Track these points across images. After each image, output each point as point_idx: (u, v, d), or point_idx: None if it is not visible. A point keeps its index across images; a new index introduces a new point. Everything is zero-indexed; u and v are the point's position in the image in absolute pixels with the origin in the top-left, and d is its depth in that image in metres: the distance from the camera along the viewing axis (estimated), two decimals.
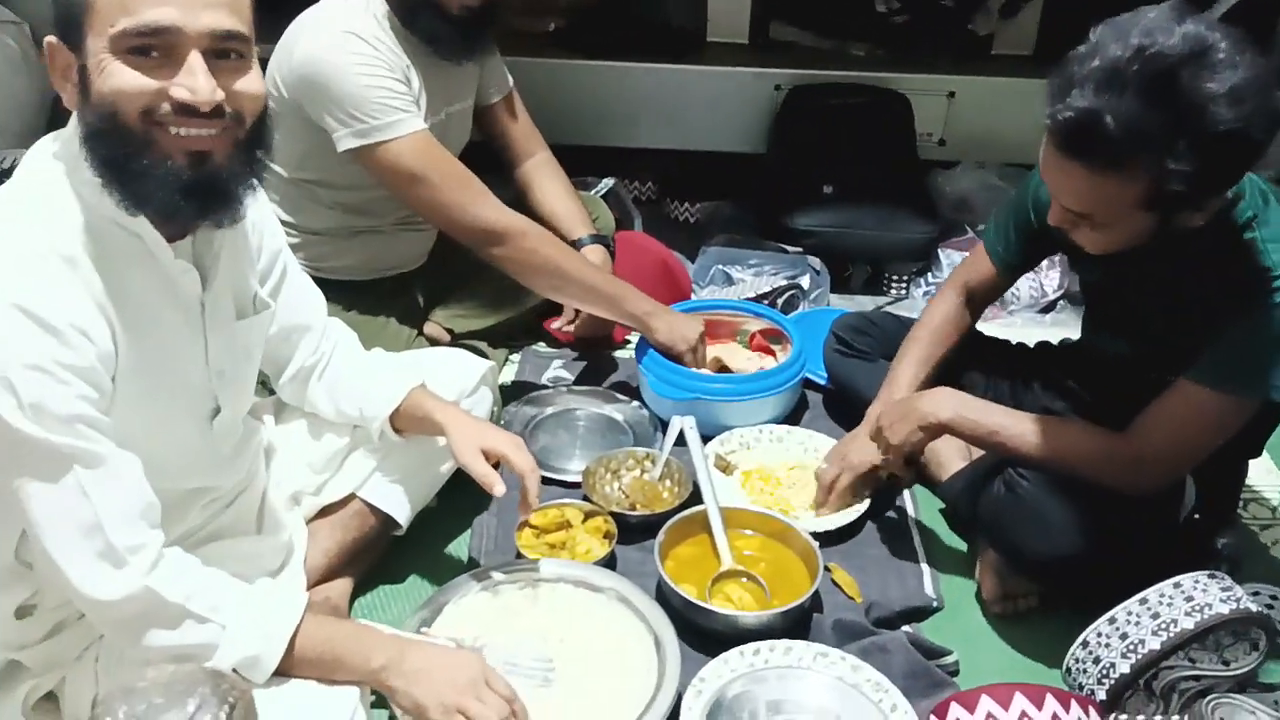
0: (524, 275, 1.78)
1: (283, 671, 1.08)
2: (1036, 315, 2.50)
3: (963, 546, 1.69)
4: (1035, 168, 1.39)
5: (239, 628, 1.06)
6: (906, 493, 1.79)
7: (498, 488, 1.36)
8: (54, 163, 1.05)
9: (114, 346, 1.04)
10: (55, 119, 2.73)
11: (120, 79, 0.97)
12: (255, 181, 1.09)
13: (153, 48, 0.98)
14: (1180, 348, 1.38)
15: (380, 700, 1.20)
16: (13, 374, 0.95)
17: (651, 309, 1.85)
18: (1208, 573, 1.31)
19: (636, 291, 1.86)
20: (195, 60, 0.98)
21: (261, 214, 1.28)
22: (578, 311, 1.97)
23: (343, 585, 1.48)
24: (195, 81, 0.98)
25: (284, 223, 1.84)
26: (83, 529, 1.00)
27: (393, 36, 1.72)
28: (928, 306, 1.74)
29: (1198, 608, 1.26)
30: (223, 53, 1.01)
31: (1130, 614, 1.29)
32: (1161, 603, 1.28)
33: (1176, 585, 1.30)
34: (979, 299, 1.72)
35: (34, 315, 0.96)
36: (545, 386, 2.05)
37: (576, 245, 1.97)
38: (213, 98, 0.99)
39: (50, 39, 1.02)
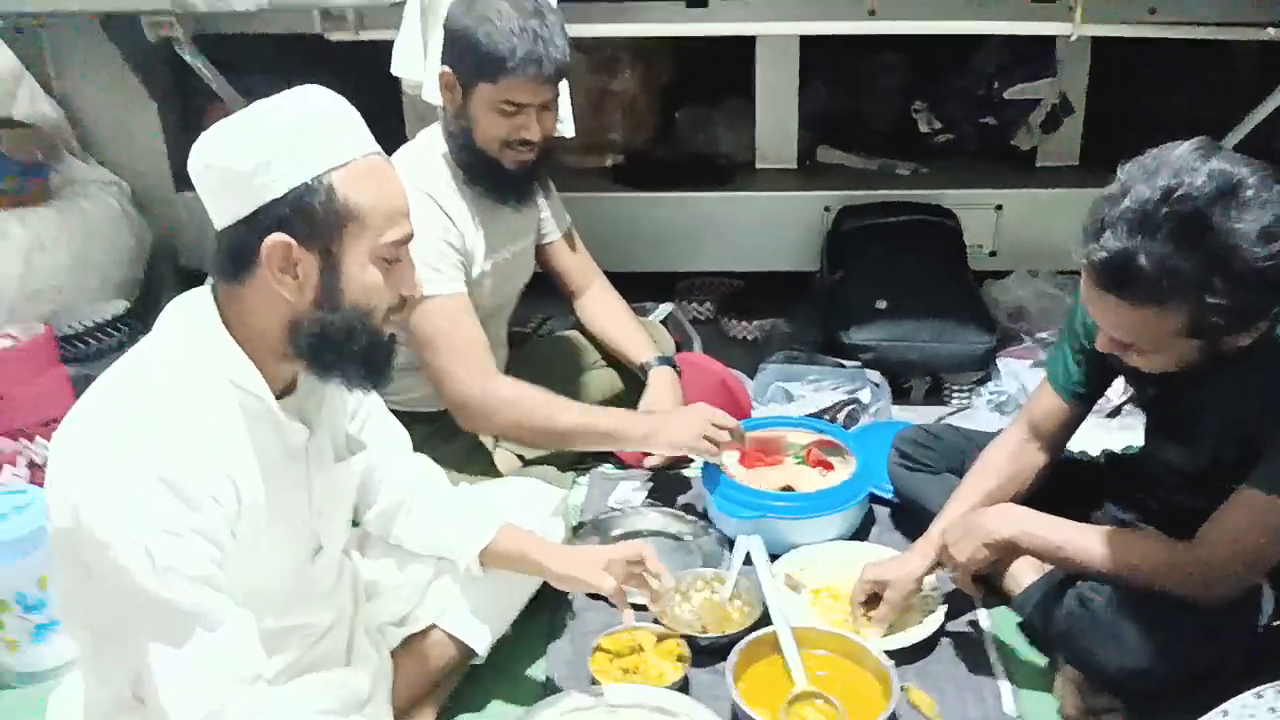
0: (527, 439, 1.86)
1: None
2: (1104, 420, 2.49)
3: (1041, 661, 1.67)
4: (1078, 292, 1.42)
5: None
6: (983, 612, 1.78)
7: (627, 614, 1.47)
8: (190, 333, 1.14)
9: (237, 505, 1.13)
10: (152, 270, 2.93)
11: (376, 284, 1.15)
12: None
13: (397, 255, 1.15)
14: (1239, 458, 1.39)
15: None
16: (151, 540, 1.04)
17: (649, 430, 1.88)
18: (1274, 687, 1.29)
19: (634, 417, 1.91)
20: (412, 262, 1.19)
21: None
22: None
23: (427, 714, 1.52)
24: (416, 283, 1.20)
25: None
26: (196, 689, 1.07)
27: (457, 190, 1.87)
28: (990, 443, 1.75)
29: None
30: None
31: None
32: (1244, 714, 1.26)
33: (1259, 695, 1.27)
34: (1051, 435, 1.69)
35: (175, 486, 1.05)
36: (614, 510, 2.10)
37: (644, 369, 2.06)
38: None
39: (281, 238, 1.09)
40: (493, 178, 1.86)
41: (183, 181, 3.00)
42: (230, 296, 1.15)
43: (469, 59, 1.75)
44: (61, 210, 2.66)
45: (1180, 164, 1.24)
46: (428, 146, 1.89)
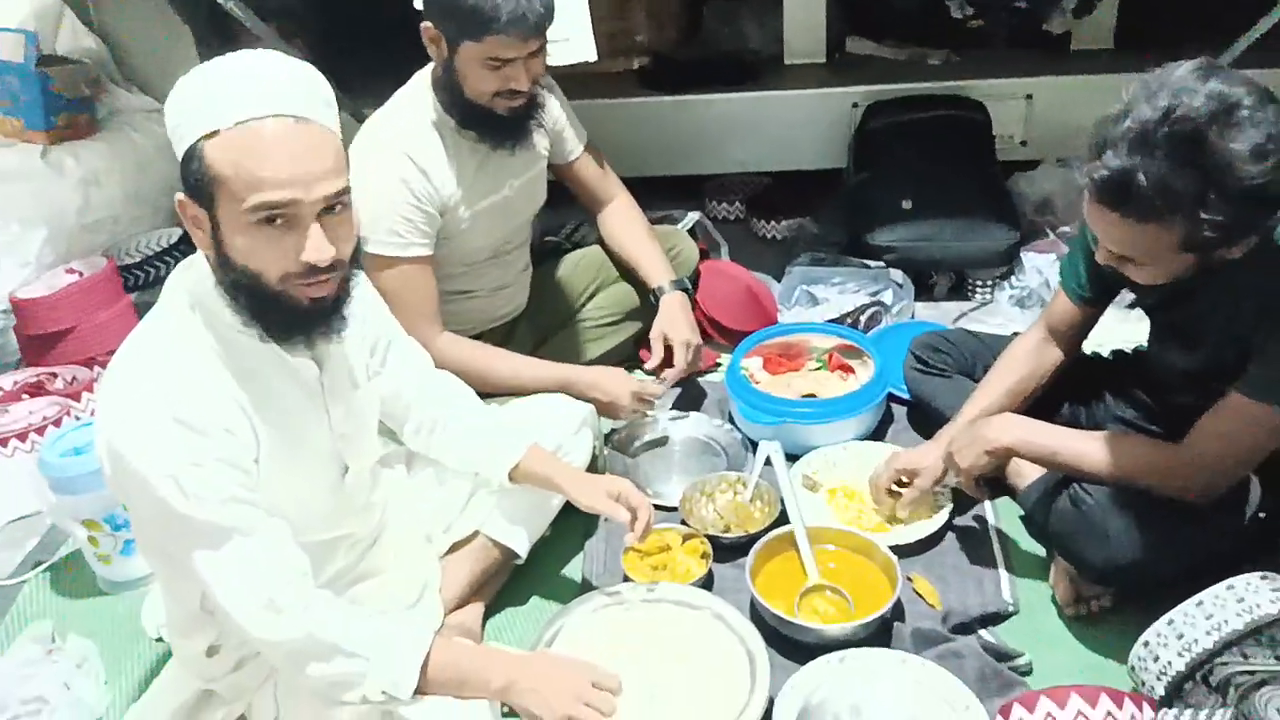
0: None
1: (420, 692, 1.27)
2: (1122, 311, 2.52)
3: (1040, 552, 1.78)
4: None
5: (380, 659, 1.26)
6: (988, 502, 1.89)
7: (622, 514, 1.57)
8: (190, 289, 1.26)
9: (254, 436, 1.26)
10: None
11: (256, 248, 1.17)
12: (352, 295, 1.30)
13: (278, 218, 1.17)
14: (1235, 361, 1.46)
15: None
16: (178, 472, 1.18)
17: (590, 379, 1.95)
18: (1261, 574, 1.39)
19: (580, 369, 1.99)
20: (315, 230, 1.18)
21: (364, 294, 1.45)
22: (666, 357, 2.09)
23: (475, 610, 1.69)
24: (318, 251, 1.18)
25: None
26: (247, 585, 1.22)
27: (443, 137, 1.90)
28: (1012, 341, 1.84)
29: (1248, 608, 1.34)
30: (330, 208, 1.20)
31: (1187, 615, 1.39)
32: (1215, 604, 1.37)
33: (1230, 587, 1.38)
34: (1067, 335, 1.77)
35: (187, 423, 1.19)
36: (646, 415, 2.21)
37: (656, 294, 2.13)
38: (330, 258, 1.20)
39: (180, 196, 1.19)
40: (486, 125, 1.88)
41: None
42: None
43: (452, 18, 1.75)
44: (111, 142, 2.79)
45: (1180, 85, 1.28)
46: (415, 95, 1.91)
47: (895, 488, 1.82)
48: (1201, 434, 1.49)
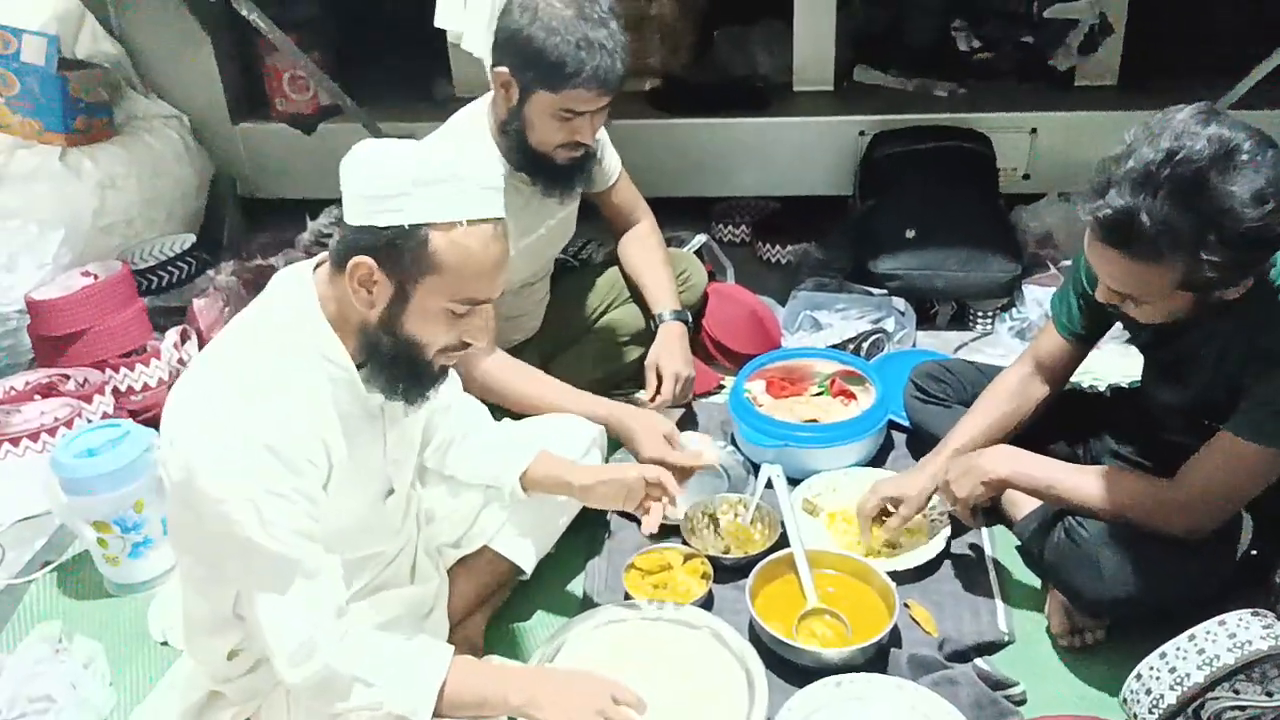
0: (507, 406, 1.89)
1: (439, 714, 1.30)
2: (1122, 346, 2.57)
3: (1036, 582, 1.81)
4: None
5: (399, 685, 1.29)
6: (985, 531, 1.92)
7: (647, 524, 1.63)
8: (292, 307, 1.30)
9: (329, 465, 1.30)
10: (213, 202, 3.09)
11: (434, 328, 1.27)
12: None
13: (469, 311, 1.28)
14: (1226, 400, 1.50)
15: None
16: (259, 499, 1.21)
17: (607, 413, 1.88)
18: (1252, 611, 1.42)
19: (595, 403, 1.90)
20: (488, 317, 1.30)
21: None
22: (657, 386, 2.11)
23: (478, 623, 1.72)
24: (485, 335, 1.31)
25: None
26: (295, 623, 1.26)
27: (504, 175, 1.89)
28: (999, 374, 1.86)
29: (1239, 644, 1.37)
30: None
31: (1179, 649, 1.42)
32: (1207, 639, 1.40)
33: (1221, 623, 1.41)
34: (1054, 370, 1.80)
35: (279, 453, 1.22)
36: None
37: (656, 321, 2.16)
38: None
39: (363, 259, 1.22)
40: (542, 173, 1.91)
41: (239, 114, 3.14)
42: (332, 277, 1.30)
43: (531, 66, 1.76)
44: (128, 146, 2.82)
45: (1182, 128, 1.33)
46: (469, 131, 1.93)
47: (880, 516, 1.84)
48: (1192, 472, 1.52)
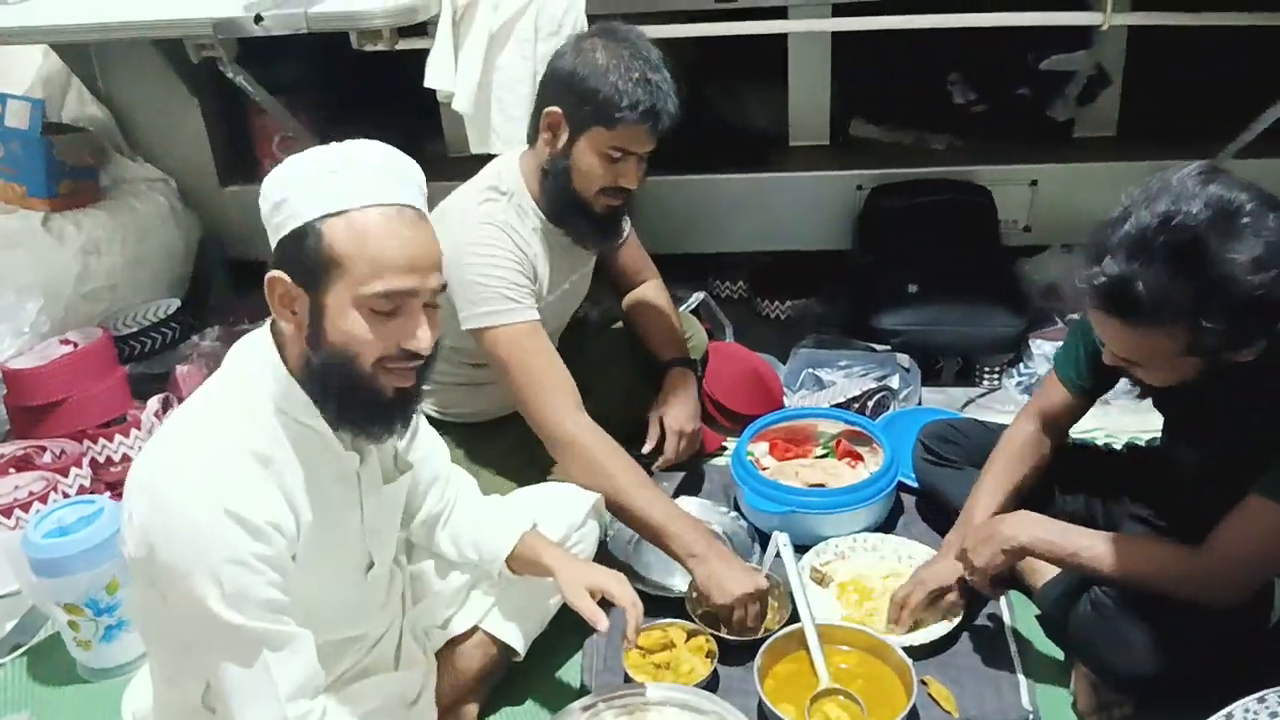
0: (582, 482, 1.79)
1: None
2: (1133, 402, 2.48)
3: (1059, 654, 1.72)
4: None
5: None
6: (1002, 600, 1.83)
7: (601, 623, 1.49)
8: (254, 369, 1.23)
9: (297, 531, 1.22)
10: (201, 267, 3.03)
11: (359, 332, 1.17)
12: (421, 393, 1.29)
13: (393, 307, 1.18)
14: (1248, 461, 1.43)
15: None
16: (220, 569, 1.13)
17: (700, 552, 1.71)
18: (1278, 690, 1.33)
19: (691, 527, 1.75)
20: (423, 317, 1.20)
21: None
22: (660, 440, 2.06)
23: (470, 712, 1.62)
24: (424, 336, 1.20)
25: None
26: (262, 702, 1.17)
27: (531, 226, 1.89)
28: (1004, 434, 1.80)
29: None
30: (433, 302, 1.22)
31: None
32: (1246, 717, 1.31)
33: (1261, 700, 1.32)
34: (1058, 424, 1.75)
35: (239, 517, 1.14)
36: None
37: (666, 367, 2.10)
38: (429, 347, 1.20)
39: (275, 273, 1.18)
40: (579, 221, 1.88)
41: (227, 176, 3.09)
42: (279, 329, 1.24)
43: (589, 102, 1.75)
44: (113, 211, 2.77)
45: (1179, 190, 1.27)
46: (502, 182, 1.90)
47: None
48: (1221, 539, 1.44)
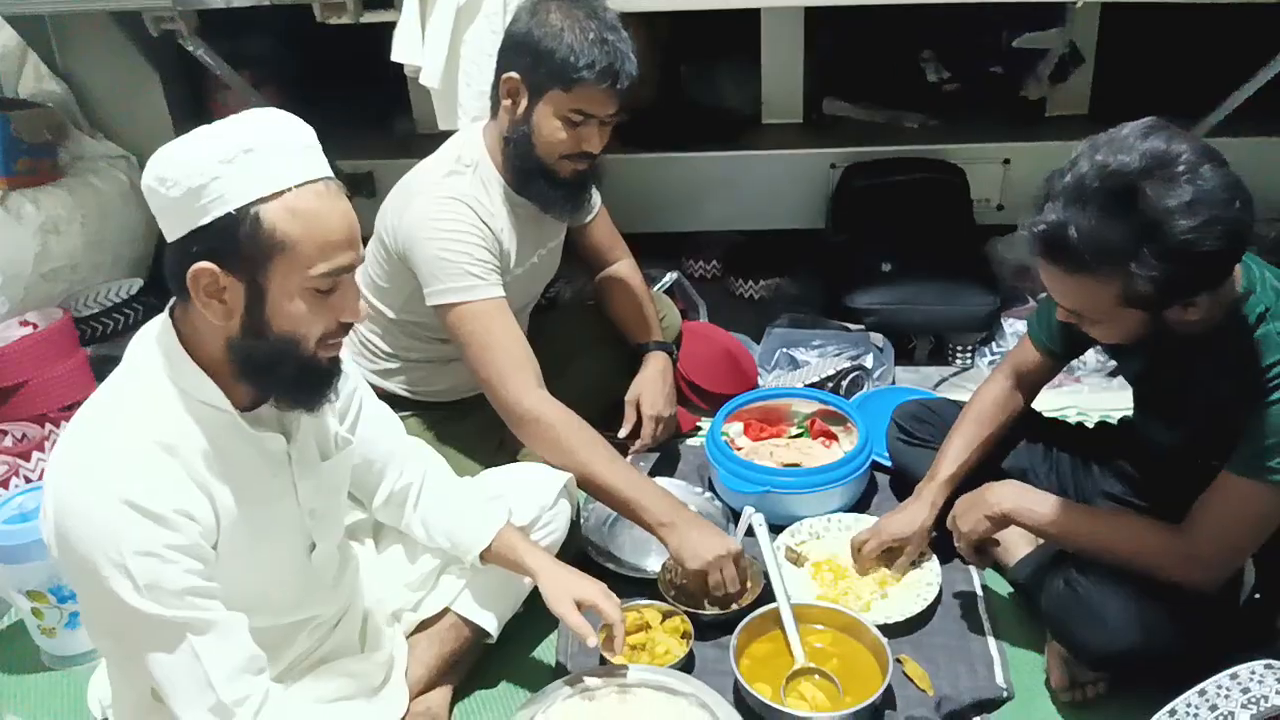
0: (553, 462, 1.76)
1: None
2: (1104, 380, 2.52)
3: (1032, 631, 1.72)
4: None
5: None
6: (976, 577, 1.84)
7: (590, 639, 1.47)
8: (154, 355, 1.19)
9: (215, 518, 1.18)
10: (160, 247, 2.96)
11: (304, 313, 1.15)
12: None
13: (333, 285, 1.15)
14: (1221, 437, 1.43)
15: None
16: (128, 561, 1.10)
17: (670, 520, 1.70)
18: (1265, 663, 1.34)
19: (661, 497, 1.74)
20: (353, 290, 1.18)
21: None
22: (636, 425, 2.05)
23: (442, 694, 1.59)
24: (358, 307, 1.18)
25: (386, 353, 2.02)
26: (196, 687, 1.15)
27: (496, 198, 1.86)
28: (977, 390, 1.83)
29: (1254, 700, 1.29)
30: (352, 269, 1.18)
31: (1190, 706, 1.33)
32: (1219, 694, 1.32)
33: (1234, 676, 1.33)
34: (1030, 382, 1.80)
35: (140, 507, 1.10)
36: None
37: (641, 350, 2.08)
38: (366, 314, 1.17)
39: (204, 265, 1.10)
40: (544, 188, 1.85)
41: None
42: (184, 313, 1.18)
43: (544, 65, 1.72)
44: (73, 189, 2.69)
45: (1120, 142, 1.29)
46: (465, 154, 1.87)
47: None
48: (1199, 519, 1.45)
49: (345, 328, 1.20)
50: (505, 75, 1.78)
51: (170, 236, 1.13)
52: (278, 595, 1.31)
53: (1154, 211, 1.24)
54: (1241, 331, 1.39)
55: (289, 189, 1.10)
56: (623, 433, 2.07)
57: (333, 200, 1.14)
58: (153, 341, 1.20)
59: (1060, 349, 1.73)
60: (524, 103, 1.78)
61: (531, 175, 1.84)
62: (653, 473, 2.16)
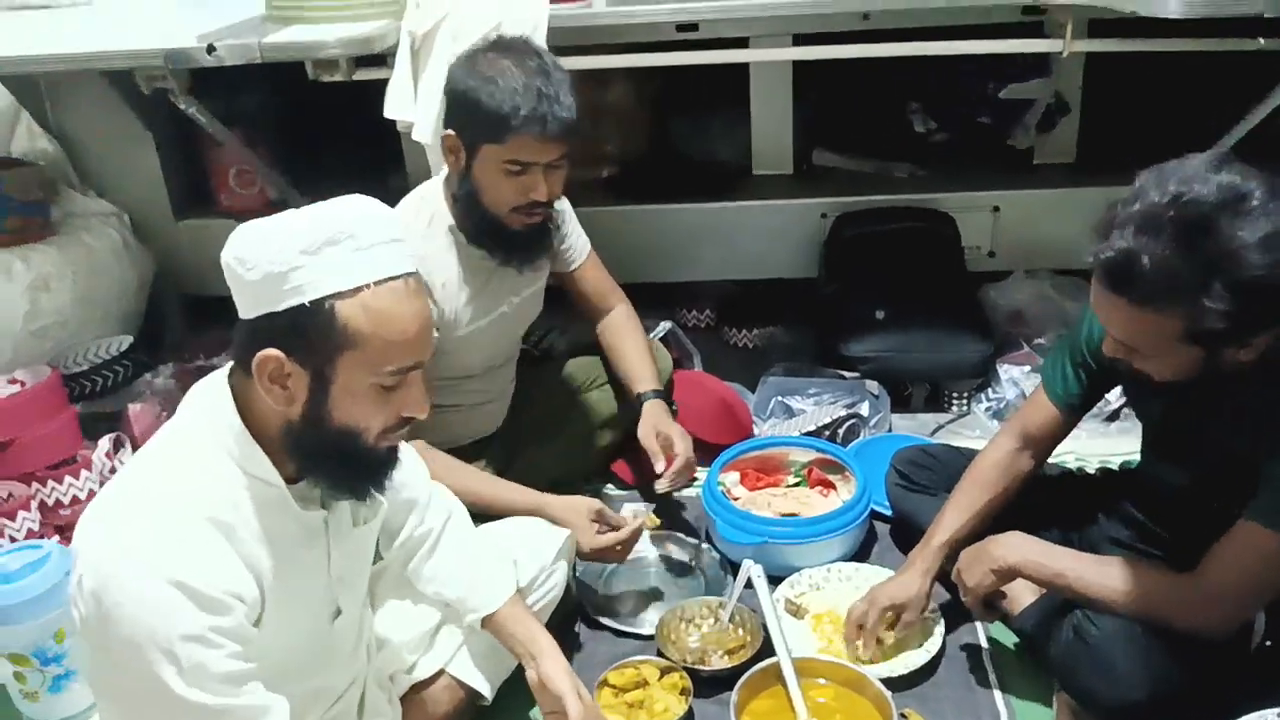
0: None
1: None
2: (1101, 425, 2.50)
3: (1039, 682, 1.69)
4: (1088, 303, 1.42)
5: None
6: (980, 629, 1.81)
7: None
8: (208, 423, 1.16)
9: (260, 595, 1.15)
10: (153, 303, 2.96)
11: (367, 408, 1.13)
12: None
13: (399, 382, 1.14)
14: (1234, 479, 1.41)
15: None
16: (175, 646, 1.06)
17: (537, 505, 1.83)
18: (1276, 711, 1.32)
19: (520, 491, 1.86)
20: (419, 385, 1.17)
21: None
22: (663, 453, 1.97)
23: None
24: (424, 403, 1.17)
25: None
26: None
27: (461, 252, 1.86)
28: (980, 452, 1.77)
29: None
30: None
31: None
32: None
33: None
34: (1041, 442, 1.72)
35: (190, 589, 1.06)
36: None
37: (639, 400, 2.06)
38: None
39: (274, 353, 1.09)
40: (497, 241, 1.83)
41: (182, 210, 3.03)
42: (244, 384, 1.16)
43: (472, 120, 1.71)
44: (63, 246, 2.69)
45: (1192, 172, 1.27)
46: (425, 207, 1.86)
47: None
48: (1213, 566, 1.42)
49: (406, 421, 1.18)
50: (444, 133, 1.78)
51: (243, 315, 1.12)
52: (299, 662, 1.27)
53: (1229, 244, 1.22)
54: (1267, 376, 1.36)
55: (367, 285, 1.09)
56: (660, 467, 1.96)
57: (409, 299, 1.12)
58: (207, 406, 1.17)
59: (1080, 400, 1.67)
60: (463, 159, 1.77)
61: (483, 230, 1.82)
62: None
